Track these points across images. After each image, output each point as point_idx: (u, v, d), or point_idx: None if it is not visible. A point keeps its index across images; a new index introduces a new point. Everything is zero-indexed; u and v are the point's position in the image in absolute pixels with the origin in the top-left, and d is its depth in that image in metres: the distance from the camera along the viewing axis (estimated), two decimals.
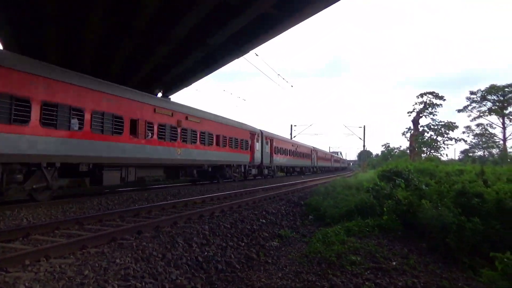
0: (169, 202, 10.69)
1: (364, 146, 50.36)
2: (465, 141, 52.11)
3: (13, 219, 7.92)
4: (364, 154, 55.43)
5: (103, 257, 5.05)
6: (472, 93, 52.27)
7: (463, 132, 56.06)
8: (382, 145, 73.85)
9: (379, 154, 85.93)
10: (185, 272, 4.81)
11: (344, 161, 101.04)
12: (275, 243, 6.97)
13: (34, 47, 16.87)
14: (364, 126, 49.35)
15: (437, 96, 47.90)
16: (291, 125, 52.45)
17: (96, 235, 6.03)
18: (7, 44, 17.27)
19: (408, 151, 51.55)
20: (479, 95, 51.43)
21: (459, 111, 54.30)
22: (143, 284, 4.19)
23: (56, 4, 12.69)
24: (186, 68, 21.06)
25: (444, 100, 47.42)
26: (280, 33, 16.36)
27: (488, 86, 50.09)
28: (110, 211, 9.09)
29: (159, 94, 26.55)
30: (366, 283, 4.47)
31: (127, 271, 4.51)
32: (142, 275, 4.45)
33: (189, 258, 5.29)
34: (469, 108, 53.29)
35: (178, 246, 5.78)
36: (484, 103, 51.98)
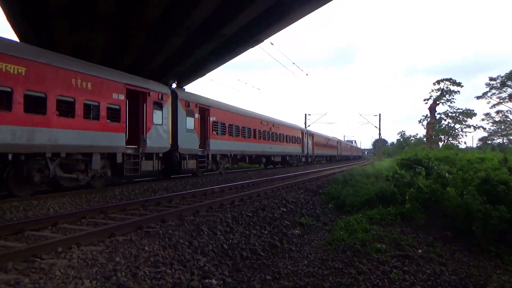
0: (188, 191, 10.84)
1: (379, 134, 49.60)
2: (484, 129, 50.85)
3: (40, 209, 8.18)
4: (380, 143, 54.61)
5: (131, 244, 5.17)
6: (491, 79, 50.46)
7: (482, 120, 54.34)
8: (397, 133, 72.81)
9: (395, 142, 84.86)
10: (212, 259, 4.89)
11: (360, 150, 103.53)
12: (297, 231, 7.01)
13: (47, 39, 17.07)
14: (380, 114, 48.57)
15: (454, 83, 46.76)
16: (305, 114, 52.02)
17: (123, 224, 6.19)
18: (22, 36, 17.52)
19: (425, 139, 50.65)
20: (499, 81, 49.71)
21: (478, 97, 52.55)
22: (173, 270, 4.29)
23: None
24: (199, 58, 20.97)
25: (462, 86, 46.31)
26: (294, 21, 16.06)
27: (508, 72, 48.35)
28: (132, 200, 9.31)
29: (174, 85, 26.61)
30: (394, 270, 4.47)
31: (157, 258, 4.61)
32: (171, 262, 4.55)
33: (214, 246, 5.37)
34: (489, 94, 51.62)
35: (203, 234, 5.87)
36: (504, 89, 50.26)
